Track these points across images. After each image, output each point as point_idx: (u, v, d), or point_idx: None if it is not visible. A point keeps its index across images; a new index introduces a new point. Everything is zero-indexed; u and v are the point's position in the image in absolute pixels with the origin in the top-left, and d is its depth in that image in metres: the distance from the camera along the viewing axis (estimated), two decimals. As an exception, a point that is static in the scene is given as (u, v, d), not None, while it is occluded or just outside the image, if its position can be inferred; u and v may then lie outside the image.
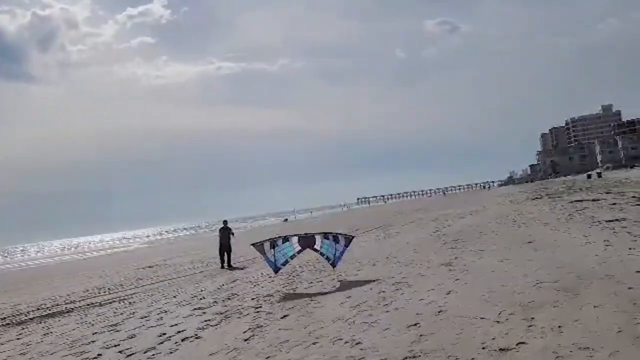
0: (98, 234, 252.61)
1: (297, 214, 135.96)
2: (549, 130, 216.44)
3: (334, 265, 12.13)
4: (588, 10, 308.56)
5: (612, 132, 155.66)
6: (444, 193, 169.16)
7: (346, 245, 12.11)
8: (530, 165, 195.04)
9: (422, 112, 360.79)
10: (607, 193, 27.27)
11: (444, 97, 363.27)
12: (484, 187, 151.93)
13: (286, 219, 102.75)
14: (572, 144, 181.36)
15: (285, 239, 12.25)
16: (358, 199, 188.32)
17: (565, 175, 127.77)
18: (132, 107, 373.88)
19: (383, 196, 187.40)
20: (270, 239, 12.24)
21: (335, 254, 12.04)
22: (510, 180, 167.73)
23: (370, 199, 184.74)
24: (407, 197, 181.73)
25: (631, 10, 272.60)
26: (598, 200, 22.74)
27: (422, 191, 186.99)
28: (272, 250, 11.99)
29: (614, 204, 19.63)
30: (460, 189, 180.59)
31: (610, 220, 14.19)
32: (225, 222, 19.35)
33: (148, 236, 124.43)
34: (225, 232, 18.65)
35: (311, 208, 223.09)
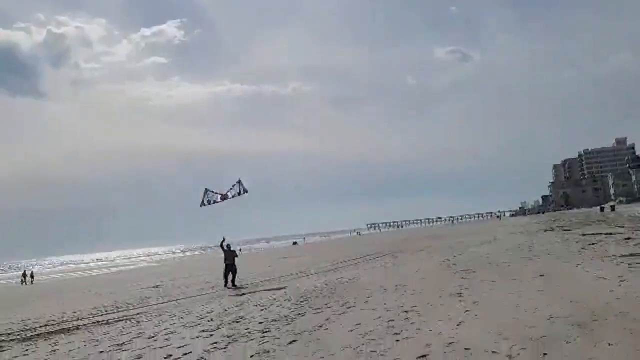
0: (105, 251, 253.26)
1: (306, 238, 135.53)
2: (562, 161, 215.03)
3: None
4: (601, 43, 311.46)
5: (627, 166, 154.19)
6: (453, 222, 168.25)
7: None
8: (542, 196, 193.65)
9: (432, 139, 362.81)
10: (621, 227, 26.92)
11: (455, 125, 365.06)
12: (497, 217, 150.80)
13: (295, 242, 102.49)
14: (585, 177, 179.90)
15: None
16: (368, 224, 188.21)
17: (577, 208, 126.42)
18: (142, 125, 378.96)
19: (393, 222, 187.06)
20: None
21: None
22: (522, 211, 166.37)
23: (380, 225, 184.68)
24: (417, 224, 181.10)
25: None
26: (612, 234, 22.44)
27: (432, 219, 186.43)
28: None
29: (629, 238, 19.35)
30: (470, 217, 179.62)
31: (624, 255, 13.97)
32: (228, 245, 19.66)
33: (156, 254, 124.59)
34: (230, 254, 19.27)
35: (321, 232, 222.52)
